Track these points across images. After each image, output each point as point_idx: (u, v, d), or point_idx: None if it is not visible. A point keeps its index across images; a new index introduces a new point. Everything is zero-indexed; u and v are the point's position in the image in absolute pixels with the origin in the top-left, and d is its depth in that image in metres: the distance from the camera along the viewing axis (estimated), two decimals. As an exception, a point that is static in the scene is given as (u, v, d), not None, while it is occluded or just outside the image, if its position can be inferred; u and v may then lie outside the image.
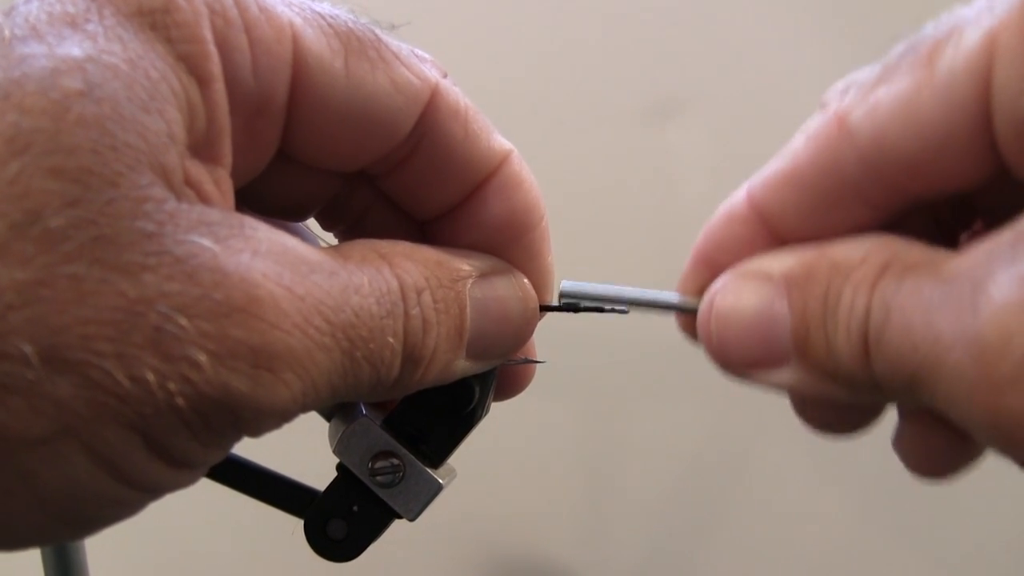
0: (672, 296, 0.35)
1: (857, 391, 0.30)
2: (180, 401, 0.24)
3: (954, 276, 0.26)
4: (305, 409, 0.28)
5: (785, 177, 0.31)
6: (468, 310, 0.32)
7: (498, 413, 0.39)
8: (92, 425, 0.23)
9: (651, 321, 0.37)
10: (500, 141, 0.34)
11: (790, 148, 0.31)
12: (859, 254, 0.29)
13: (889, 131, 0.28)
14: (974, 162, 0.28)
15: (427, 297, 0.31)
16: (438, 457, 0.36)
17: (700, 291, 0.33)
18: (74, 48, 0.24)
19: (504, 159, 0.34)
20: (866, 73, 0.30)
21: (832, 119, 0.30)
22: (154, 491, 0.27)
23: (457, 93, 0.33)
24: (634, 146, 1.14)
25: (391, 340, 0.29)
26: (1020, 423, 0.23)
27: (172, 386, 0.24)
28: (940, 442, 0.31)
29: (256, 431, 0.27)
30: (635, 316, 0.37)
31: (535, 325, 0.36)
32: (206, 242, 0.25)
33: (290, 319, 0.26)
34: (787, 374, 0.31)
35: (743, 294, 0.31)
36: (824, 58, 1.09)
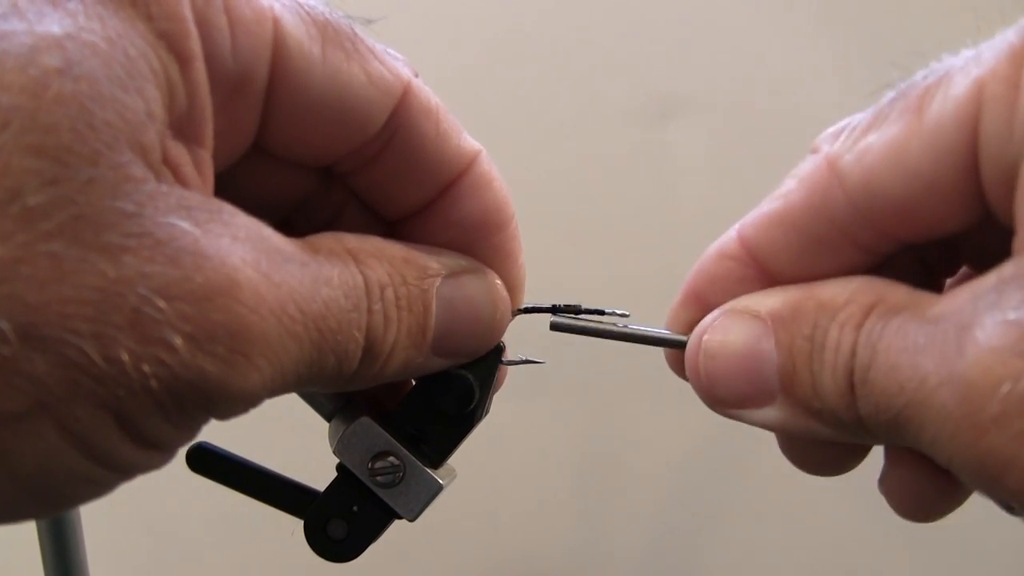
0: (661, 331, 0.35)
1: (842, 430, 0.30)
2: (154, 383, 0.24)
3: (939, 318, 0.26)
4: (271, 395, 0.28)
5: (776, 218, 0.32)
6: (433, 308, 0.33)
7: (498, 413, 0.39)
8: (66, 403, 0.23)
9: (651, 322, 0.37)
10: (469, 141, 0.35)
11: (781, 190, 0.32)
12: (845, 294, 0.30)
13: (879, 176, 0.29)
14: (961, 208, 0.28)
15: (390, 294, 0.31)
16: (438, 457, 0.36)
17: (689, 327, 0.34)
18: (54, 26, 0.24)
19: (474, 159, 0.34)
20: (858, 118, 0.30)
21: (823, 163, 0.30)
22: (126, 471, 0.27)
23: (428, 92, 0.33)
24: (634, 146, 1.14)
25: (356, 334, 0.30)
26: (1004, 463, 0.24)
27: (147, 368, 0.24)
28: (925, 484, 0.32)
29: (225, 415, 0.27)
30: (636, 317, 0.37)
31: (506, 324, 0.36)
32: (186, 225, 0.25)
33: (267, 305, 0.26)
34: (773, 412, 0.31)
35: (731, 331, 0.32)
36: (824, 59, 1.09)
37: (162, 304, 0.24)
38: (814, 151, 0.31)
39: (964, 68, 0.27)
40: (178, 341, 0.24)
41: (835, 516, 1.17)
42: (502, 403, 0.39)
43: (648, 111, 1.14)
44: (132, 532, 1.10)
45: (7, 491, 0.25)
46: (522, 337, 0.39)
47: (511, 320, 0.36)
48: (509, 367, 0.38)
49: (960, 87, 0.27)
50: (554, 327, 0.36)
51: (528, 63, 1.13)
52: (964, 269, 0.34)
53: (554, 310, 0.37)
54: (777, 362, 0.31)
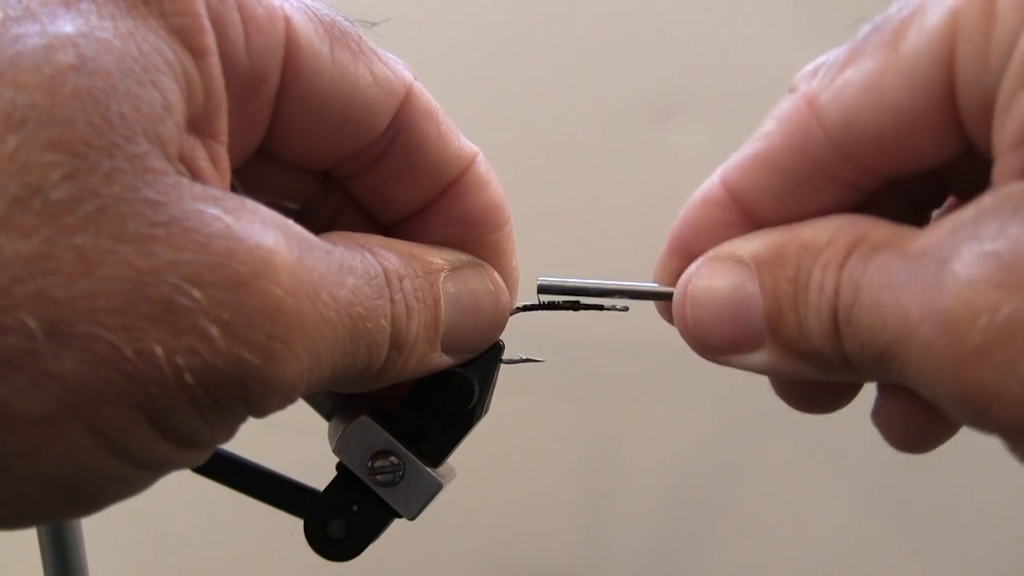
0: (649, 284, 0.35)
1: (831, 370, 0.30)
2: (188, 377, 0.24)
3: (920, 253, 0.26)
4: (307, 389, 0.27)
5: (757, 160, 0.32)
6: (442, 302, 0.33)
7: (498, 412, 0.39)
8: (96, 404, 0.23)
9: (651, 322, 0.37)
10: (467, 143, 0.35)
11: (761, 132, 0.32)
12: (827, 235, 0.29)
13: (857, 112, 0.29)
14: (941, 140, 0.28)
15: (408, 284, 0.31)
16: (438, 456, 0.36)
17: (677, 277, 0.34)
18: (66, 25, 0.24)
19: (472, 160, 0.35)
20: (834, 54, 0.30)
21: (801, 101, 0.30)
22: (159, 470, 0.26)
23: (428, 95, 0.33)
24: (634, 146, 1.14)
25: (383, 322, 0.29)
26: (987, 394, 0.24)
27: (181, 360, 0.23)
28: (918, 415, 0.32)
29: (263, 409, 0.26)
30: (636, 315, 0.37)
31: (507, 318, 0.36)
32: (216, 211, 0.24)
33: (303, 289, 0.25)
34: (763, 356, 0.31)
35: (715, 278, 0.32)
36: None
37: (196, 293, 0.23)
38: (792, 90, 0.31)
39: None
40: (214, 330, 0.23)
41: (836, 516, 1.17)
42: (503, 401, 0.39)
43: (648, 111, 1.14)
44: (132, 532, 1.10)
45: (37, 494, 0.24)
46: (522, 336, 0.39)
47: (510, 316, 0.36)
48: (508, 365, 0.38)
49: (934, 17, 0.27)
50: (541, 289, 0.36)
51: (528, 63, 1.13)
52: (951, 199, 0.34)
53: (552, 307, 0.37)
54: (763, 305, 0.31)
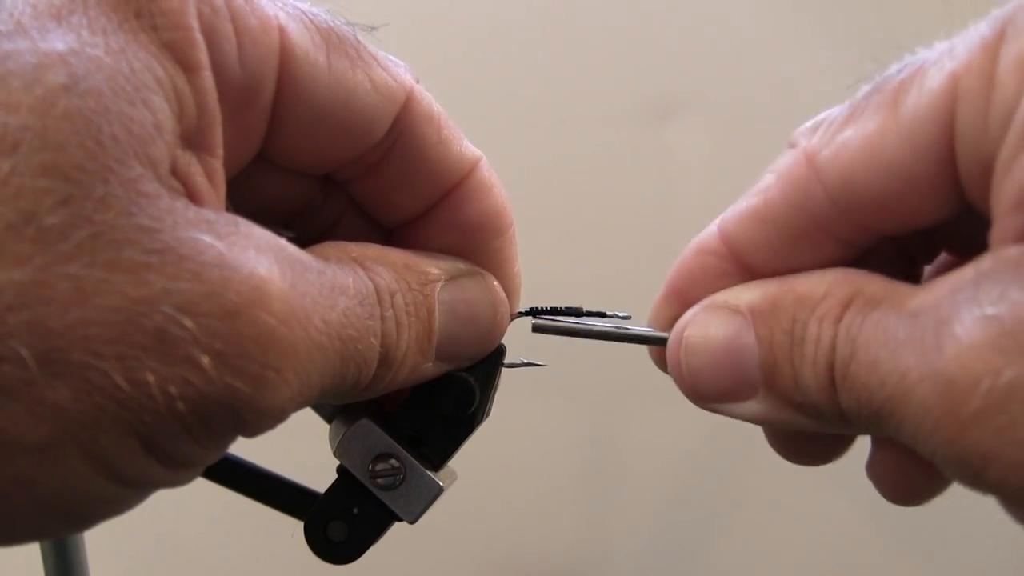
0: (644, 329, 0.35)
1: (825, 422, 0.30)
2: (180, 405, 0.24)
3: (918, 312, 0.26)
4: (296, 409, 0.27)
5: (755, 213, 0.32)
6: (436, 313, 0.33)
7: (499, 415, 0.39)
8: (90, 431, 0.23)
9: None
10: (470, 147, 0.35)
11: (760, 185, 0.32)
12: (822, 288, 0.30)
13: (856, 170, 0.29)
14: (939, 200, 0.28)
15: (399, 300, 0.31)
16: (439, 459, 0.36)
17: (672, 324, 0.34)
18: (57, 42, 0.24)
19: (474, 165, 0.34)
20: (835, 113, 0.30)
21: (801, 158, 0.31)
22: (151, 488, 0.26)
23: (430, 99, 0.33)
24: (634, 146, 1.14)
25: (373, 341, 0.30)
26: (985, 457, 0.24)
27: (173, 389, 0.23)
28: (911, 469, 0.32)
29: (255, 431, 0.27)
30: (637, 317, 0.37)
31: (505, 327, 0.36)
32: (209, 238, 0.24)
33: (295, 316, 0.26)
34: (756, 406, 0.31)
35: (711, 326, 0.32)
36: (823, 59, 1.09)
37: (188, 323, 0.23)
38: (791, 146, 0.31)
39: (938, 62, 0.27)
40: (205, 360, 0.24)
41: (837, 517, 1.17)
42: (504, 405, 0.39)
43: (648, 111, 1.14)
44: (132, 532, 1.10)
45: (33, 516, 0.24)
46: (524, 340, 0.39)
47: (510, 323, 0.36)
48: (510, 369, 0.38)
49: (935, 81, 0.27)
50: (536, 329, 0.36)
51: (528, 63, 1.13)
52: (943, 256, 0.34)
53: (555, 312, 0.37)
54: (758, 356, 0.31)
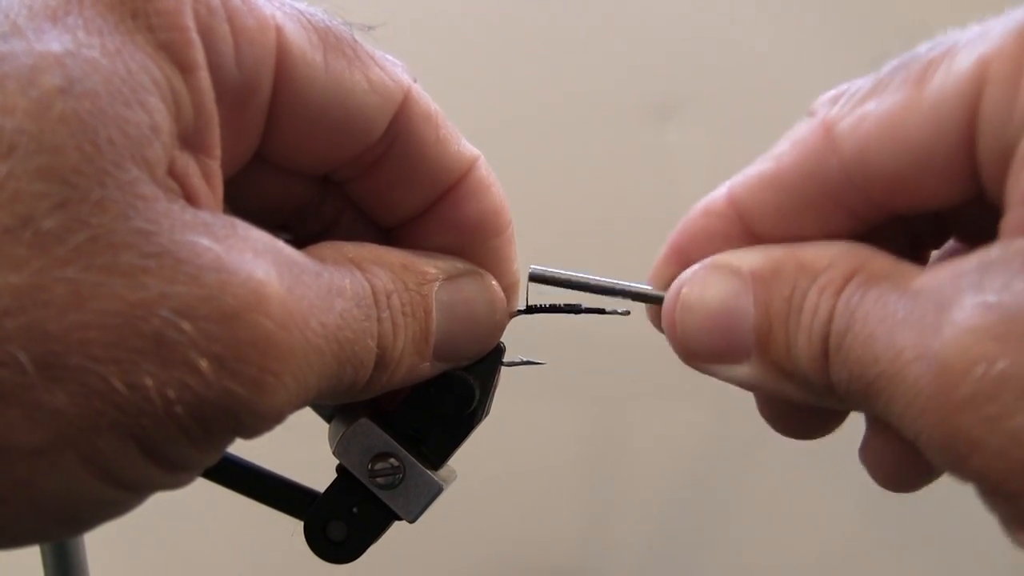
0: (642, 285, 0.35)
1: (813, 393, 0.30)
2: (179, 409, 0.24)
3: (920, 292, 0.26)
4: (293, 412, 0.27)
5: (767, 178, 0.32)
6: (434, 313, 0.32)
7: (498, 414, 0.39)
8: (88, 434, 0.23)
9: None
10: (468, 146, 0.35)
11: (775, 151, 0.32)
12: (827, 258, 0.30)
13: (874, 144, 0.29)
14: (954, 183, 0.28)
15: (395, 300, 0.31)
16: (438, 458, 0.36)
17: (670, 283, 0.33)
18: (53, 43, 0.24)
19: (472, 164, 0.34)
20: (857, 85, 0.30)
21: (819, 127, 0.30)
22: (150, 491, 0.26)
23: (428, 98, 0.33)
24: (634, 146, 1.14)
25: (370, 343, 0.29)
26: (970, 444, 0.24)
27: (171, 393, 0.23)
28: (904, 455, 0.31)
29: (252, 434, 0.27)
30: (637, 317, 0.37)
31: (504, 326, 0.36)
32: (207, 241, 0.24)
33: (293, 319, 0.26)
34: (746, 369, 0.31)
35: (710, 286, 0.32)
36: (823, 58, 1.09)
37: (185, 326, 0.23)
38: (811, 114, 0.31)
39: (970, 44, 0.27)
40: (203, 364, 0.24)
41: (837, 517, 1.17)
42: (503, 404, 0.39)
43: (648, 111, 1.14)
44: (132, 532, 1.10)
45: (31, 519, 0.24)
46: (522, 337, 0.39)
47: (509, 321, 0.36)
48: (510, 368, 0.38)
49: (964, 63, 0.27)
50: (533, 277, 0.36)
51: (528, 63, 1.13)
52: (951, 242, 0.34)
53: (554, 309, 0.37)
54: (753, 320, 0.31)
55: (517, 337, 0.37)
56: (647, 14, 1.14)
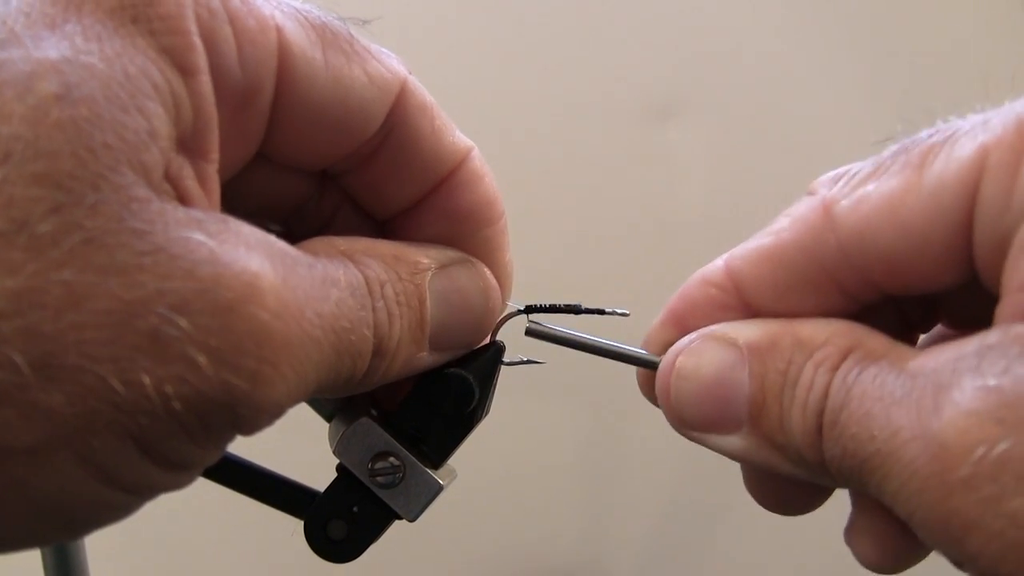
0: (636, 349, 0.35)
1: (804, 468, 0.31)
2: (177, 404, 0.24)
3: (918, 373, 0.27)
4: (292, 405, 0.27)
5: (765, 253, 0.32)
6: (428, 303, 0.33)
7: (499, 412, 0.39)
8: (85, 434, 0.23)
9: (649, 321, 0.37)
10: (462, 137, 0.35)
11: (773, 227, 0.32)
12: (824, 335, 0.30)
13: (873, 226, 0.29)
14: (949, 268, 0.29)
15: (389, 290, 0.31)
16: (438, 458, 0.36)
17: (666, 348, 0.34)
18: (51, 50, 0.24)
19: (466, 155, 0.35)
20: (858, 166, 0.31)
21: (819, 205, 0.31)
22: (150, 493, 0.26)
23: (423, 89, 0.33)
24: (634, 146, 1.14)
25: (367, 332, 0.30)
26: (967, 525, 0.24)
27: (169, 389, 0.23)
28: (893, 535, 0.32)
29: (252, 429, 0.26)
30: (635, 316, 0.37)
31: (498, 314, 0.36)
32: (200, 236, 0.24)
33: (288, 310, 0.26)
34: (738, 441, 0.32)
35: (706, 356, 0.32)
36: (822, 59, 1.09)
37: (182, 322, 0.23)
38: (811, 193, 0.32)
39: (971, 132, 0.28)
40: (201, 358, 0.24)
41: (837, 517, 1.17)
42: (503, 404, 0.39)
43: (648, 111, 1.14)
44: (133, 532, 1.10)
45: (29, 521, 0.25)
46: (522, 337, 0.39)
47: (504, 311, 0.36)
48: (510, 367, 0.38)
49: (965, 150, 0.27)
50: (529, 333, 0.36)
51: (528, 63, 1.13)
52: (939, 327, 0.34)
53: (553, 309, 0.37)
54: (748, 392, 0.31)
55: (517, 337, 0.37)
56: (647, 14, 1.14)
